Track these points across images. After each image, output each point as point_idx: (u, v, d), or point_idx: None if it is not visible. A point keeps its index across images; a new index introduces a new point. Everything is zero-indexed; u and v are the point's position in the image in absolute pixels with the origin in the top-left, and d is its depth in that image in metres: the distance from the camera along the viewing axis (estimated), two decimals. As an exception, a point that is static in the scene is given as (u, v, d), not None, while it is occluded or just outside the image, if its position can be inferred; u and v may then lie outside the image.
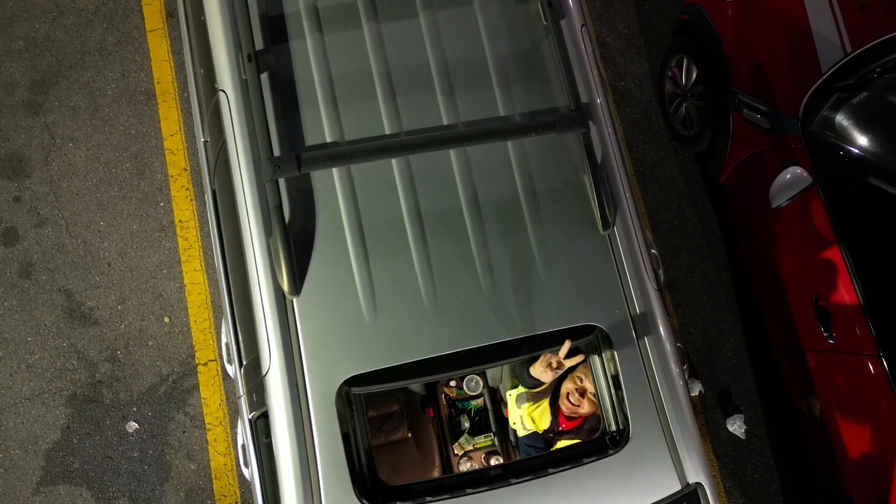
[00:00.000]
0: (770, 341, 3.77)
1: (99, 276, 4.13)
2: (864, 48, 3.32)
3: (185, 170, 4.29)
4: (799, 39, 3.44)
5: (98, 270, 4.14)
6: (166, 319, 4.12)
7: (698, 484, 2.39)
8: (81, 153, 4.27)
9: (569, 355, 2.45)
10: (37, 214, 4.18)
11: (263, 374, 2.38)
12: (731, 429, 4.10)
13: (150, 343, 4.09)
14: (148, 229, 4.20)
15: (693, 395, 4.16)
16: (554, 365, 2.52)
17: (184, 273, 4.17)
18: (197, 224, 4.22)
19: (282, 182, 2.42)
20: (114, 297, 4.12)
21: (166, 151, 4.31)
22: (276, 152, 2.41)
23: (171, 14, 4.48)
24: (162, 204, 4.25)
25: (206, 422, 4.03)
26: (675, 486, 2.37)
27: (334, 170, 2.42)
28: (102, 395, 4.01)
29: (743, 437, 4.10)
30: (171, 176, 4.29)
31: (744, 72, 3.59)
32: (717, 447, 4.14)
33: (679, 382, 2.43)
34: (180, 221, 4.23)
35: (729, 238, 4.17)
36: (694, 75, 3.99)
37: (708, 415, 4.18)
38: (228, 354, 2.98)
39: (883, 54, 3.30)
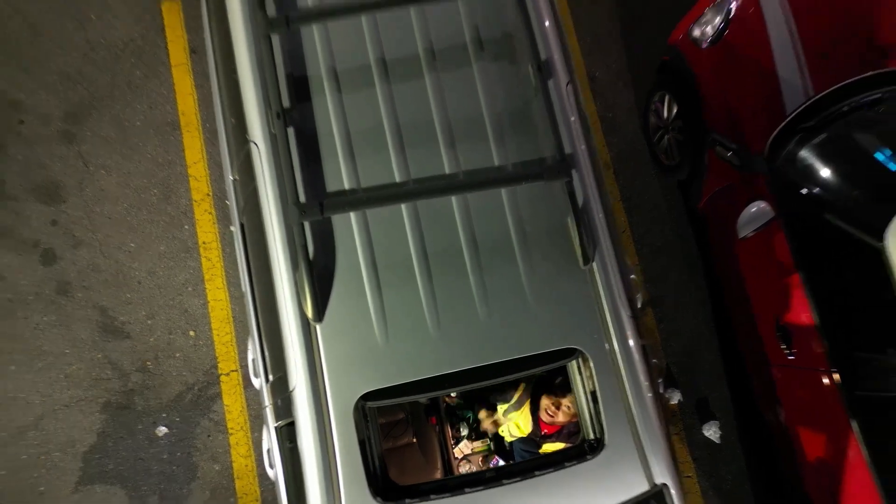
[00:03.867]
0: (742, 355, 4.15)
1: (130, 293, 4.51)
2: (825, 92, 3.68)
3: (208, 195, 4.67)
4: (766, 84, 3.82)
5: (129, 288, 4.52)
6: (191, 333, 4.50)
7: (664, 484, 2.77)
8: (113, 180, 4.65)
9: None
10: (72, 237, 4.56)
11: (291, 389, 2.76)
12: (706, 434, 4.47)
13: (177, 355, 4.47)
14: (174, 250, 4.59)
15: (672, 402, 4.53)
16: (552, 409, 3.00)
17: (207, 291, 4.55)
18: (219, 245, 4.60)
19: (306, 223, 2.80)
20: (144, 312, 4.50)
21: (190, 178, 4.69)
22: (302, 198, 2.79)
23: (194, 50, 4.86)
24: (187, 227, 4.63)
25: (228, 427, 4.41)
26: (644, 487, 2.75)
27: (352, 213, 2.80)
28: (134, 402, 4.40)
29: (718, 441, 4.48)
30: (195, 201, 4.67)
31: (717, 112, 3.97)
32: (695, 450, 4.52)
33: (649, 397, 2.81)
34: (204, 243, 4.61)
35: (707, 260, 4.54)
36: (674, 111, 4.37)
37: (686, 421, 4.56)
38: (255, 369, 3.35)
39: (842, 98, 3.66)
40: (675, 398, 4.52)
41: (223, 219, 4.63)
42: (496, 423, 3.52)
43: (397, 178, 2.84)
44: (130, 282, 4.53)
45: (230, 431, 4.40)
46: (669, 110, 4.43)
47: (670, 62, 4.32)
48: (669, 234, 4.78)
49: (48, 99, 4.71)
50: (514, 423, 3.47)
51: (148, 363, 4.44)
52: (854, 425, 3.36)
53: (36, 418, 4.33)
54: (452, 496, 2.70)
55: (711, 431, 4.48)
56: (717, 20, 4.05)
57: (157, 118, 4.75)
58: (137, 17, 4.84)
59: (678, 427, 4.54)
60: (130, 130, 4.72)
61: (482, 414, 3.60)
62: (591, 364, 2.79)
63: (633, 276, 3.37)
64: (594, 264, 2.85)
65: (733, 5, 4.00)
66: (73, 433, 4.33)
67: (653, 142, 4.70)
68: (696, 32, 4.10)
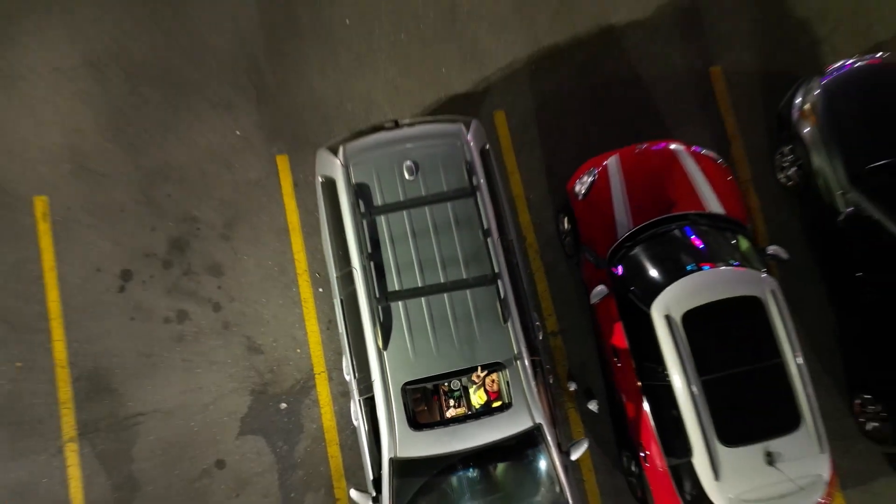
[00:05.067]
0: (605, 363, 7.58)
1: (263, 328, 7.94)
2: (636, 227, 7.12)
3: (306, 270, 8.09)
4: (609, 222, 7.25)
5: (262, 325, 7.94)
6: (298, 350, 7.93)
7: (539, 423, 6.20)
8: (251, 261, 8.07)
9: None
10: (229, 295, 7.99)
11: (372, 381, 6.21)
12: (590, 407, 7.86)
13: (290, 363, 7.90)
14: (288, 303, 8.01)
15: (571, 389, 7.95)
16: (479, 377, 6.38)
17: (307, 326, 7.97)
18: (313, 301, 8.01)
19: (379, 306, 6.23)
20: (271, 338, 7.92)
21: (296, 261, 8.11)
22: (377, 294, 6.23)
23: (296, 184, 8.25)
24: (294, 289, 8.05)
25: (320, 403, 7.83)
26: (529, 424, 6.17)
27: (399, 301, 6.24)
28: (267, 390, 7.82)
29: (596, 411, 7.85)
30: (299, 273, 8.09)
31: (585, 234, 7.42)
32: (584, 416, 7.92)
33: (534, 385, 6.21)
34: (304, 299, 8.03)
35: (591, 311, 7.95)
36: (568, 227, 7.81)
37: (579, 400, 7.97)
38: (347, 370, 6.77)
39: (644, 231, 7.10)
40: (573, 387, 7.96)
41: (315, 284, 8.05)
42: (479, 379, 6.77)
43: (419, 284, 6.29)
44: (263, 321, 7.95)
45: (321, 406, 7.82)
46: (566, 225, 7.86)
47: (565, 200, 7.76)
48: (573, 292, 8.18)
49: (213, 215, 8.14)
50: (477, 396, 6.88)
51: (274, 367, 7.87)
52: (644, 400, 6.79)
53: (213, 399, 7.76)
54: (444, 426, 6.15)
55: (593, 405, 7.87)
56: (589, 181, 7.50)
57: (275, 225, 8.18)
58: (262, 164, 8.28)
59: (575, 403, 7.96)
60: (260, 233, 8.14)
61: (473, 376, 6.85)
62: (506, 367, 6.22)
63: (537, 323, 6.84)
64: (508, 323, 6.28)
65: (595, 176, 7.45)
66: (234, 407, 7.75)
67: (561, 240, 8.13)
68: (577, 188, 7.56)
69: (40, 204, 8.00)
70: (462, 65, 8.59)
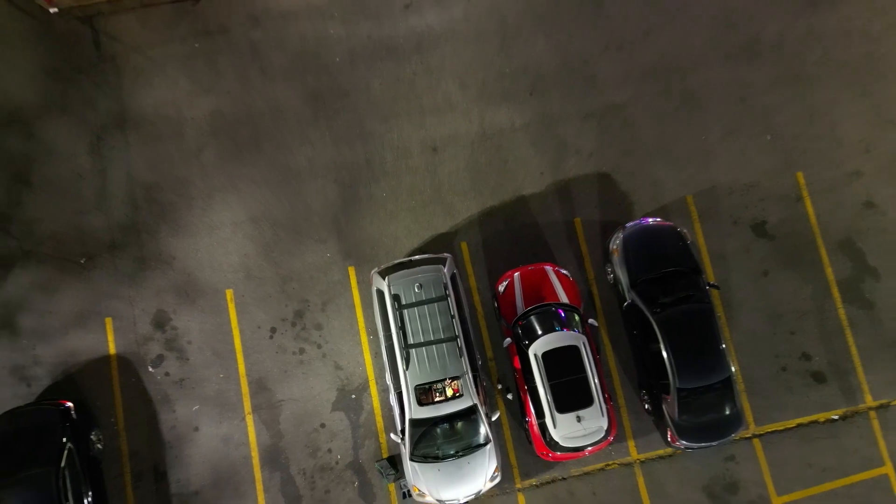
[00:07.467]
0: (514, 375, 15.29)
1: (342, 356, 15.63)
2: (525, 310, 14.84)
3: (364, 326, 15.77)
4: (513, 306, 14.93)
5: (342, 355, 15.63)
6: (360, 368, 15.62)
7: (476, 403, 13.91)
8: (336, 322, 15.76)
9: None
10: (325, 340, 15.68)
11: (401, 384, 13.96)
12: (508, 397, 15.51)
13: (356, 375, 15.60)
14: (355, 343, 15.70)
15: (499, 388, 15.71)
16: (448, 382, 14.15)
17: (364, 355, 15.66)
18: (367, 343, 15.70)
19: (404, 351, 13.97)
20: (346, 361, 15.61)
21: (358, 321, 15.80)
22: (404, 344, 13.95)
23: (359, 282, 15.94)
24: (357, 336, 15.74)
25: (372, 395, 15.52)
26: (470, 403, 13.91)
27: (413, 349, 13.98)
28: (345, 388, 15.52)
29: (512, 399, 15.53)
30: (360, 328, 15.77)
31: (502, 311, 15.11)
32: (506, 402, 15.59)
33: (474, 387, 13.91)
34: (363, 341, 15.72)
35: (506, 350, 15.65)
36: (497, 306, 15.53)
37: (503, 393, 15.63)
38: (388, 381, 14.50)
39: (531, 312, 14.81)
40: (500, 386, 15.72)
41: (368, 332, 15.72)
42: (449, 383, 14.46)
43: (422, 340, 14.01)
44: (342, 353, 15.63)
45: (372, 396, 15.50)
46: (496, 305, 15.56)
47: (494, 293, 15.47)
48: (501, 340, 15.84)
49: (316, 299, 15.84)
50: (449, 391, 14.56)
51: (348, 377, 15.54)
52: (527, 393, 14.50)
53: (318, 393, 15.45)
54: (434, 404, 13.87)
55: (510, 396, 15.54)
56: (505, 283, 15.21)
57: (348, 304, 15.86)
58: (341, 272, 15.97)
59: (501, 395, 15.63)
60: (340, 308, 15.82)
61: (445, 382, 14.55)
62: (461, 378, 13.93)
63: (478, 356, 14.65)
64: (462, 357, 14.00)
65: (508, 281, 15.16)
66: (328, 397, 15.43)
67: (494, 312, 15.83)
68: (499, 287, 15.28)
69: (229, 294, 15.74)
70: (444, 217, 16.28)
